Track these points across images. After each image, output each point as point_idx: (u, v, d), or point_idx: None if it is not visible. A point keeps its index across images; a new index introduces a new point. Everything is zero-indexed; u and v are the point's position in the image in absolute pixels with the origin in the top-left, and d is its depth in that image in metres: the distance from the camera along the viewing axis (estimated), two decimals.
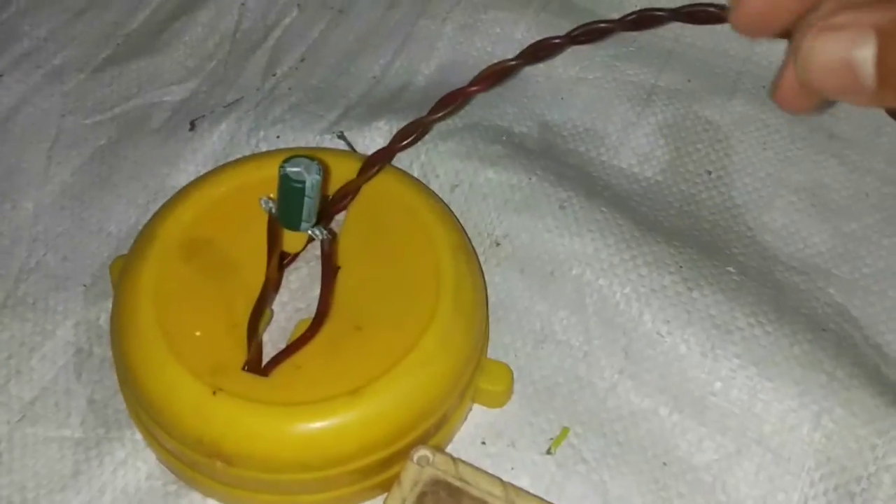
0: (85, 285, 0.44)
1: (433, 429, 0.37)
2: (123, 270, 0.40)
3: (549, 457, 0.40)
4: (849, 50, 0.25)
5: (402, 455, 0.36)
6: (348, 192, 0.41)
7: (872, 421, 0.39)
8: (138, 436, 0.40)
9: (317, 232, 0.36)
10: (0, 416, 0.40)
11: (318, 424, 0.35)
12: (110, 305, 0.42)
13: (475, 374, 0.40)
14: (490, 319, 0.43)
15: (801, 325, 0.41)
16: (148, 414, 0.36)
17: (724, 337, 0.41)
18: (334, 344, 0.37)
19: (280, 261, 0.39)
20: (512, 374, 0.41)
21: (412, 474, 0.34)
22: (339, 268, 0.39)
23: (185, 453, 0.36)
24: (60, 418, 0.40)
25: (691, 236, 0.45)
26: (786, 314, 0.42)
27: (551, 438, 0.40)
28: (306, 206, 0.34)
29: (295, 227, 0.35)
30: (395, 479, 0.34)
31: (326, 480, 0.36)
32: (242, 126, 0.49)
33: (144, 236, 0.40)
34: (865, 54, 0.25)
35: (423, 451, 0.34)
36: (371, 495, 0.38)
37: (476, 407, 0.41)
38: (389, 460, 0.36)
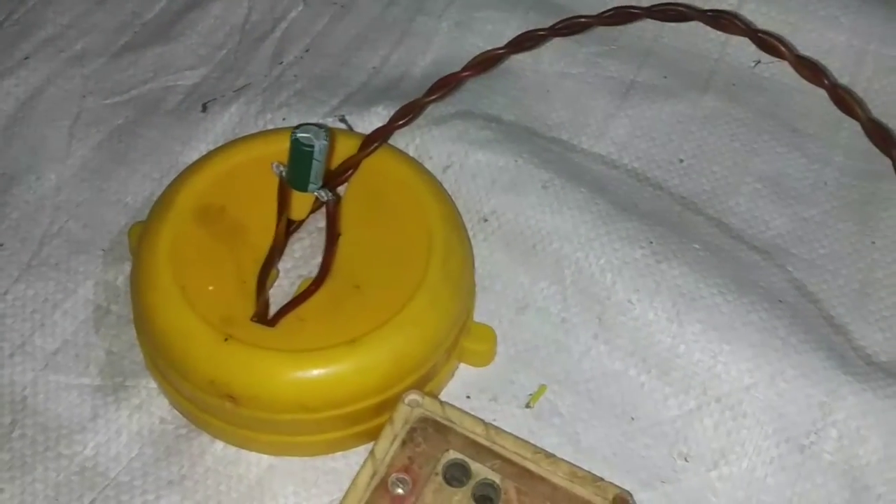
0: (104, 249, 0.48)
1: (422, 381, 0.41)
2: (142, 233, 0.43)
3: (527, 410, 0.44)
4: None
5: (393, 403, 0.39)
6: (349, 167, 0.45)
7: (821, 382, 0.42)
8: (153, 384, 0.43)
9: (323, 193, 0.40)
10: (26, 365, 0.44)
11: (317, 370, 0.38)
12: (127, 268, 0.46)
13: (462, 335, 0.44)
14: (477, 288, 0.47)
15: (759, 297, 0.45)
16: (165, 360, 0.40)
17: (689, 305, 0.45)
18: (335, 301, 0.41)
19: (287, 225, 0.43)
20: (495, 336, 0.45)
21: (403, 414, 0.38)
22: (339, 234, 0.43)
23: (197, 395, 0.40)
24: (80, 368, 0.44)
25: (663, 217, 0.49)
26: (746, 287, 0.46)
27: (530, 394, 0.44)
28: (314, 169, 0.38)
29: (303, 188, 0.39)
30: (387, 423, 0.38)
31: (323, 422, 0.39)
32: (251, 109, 0.53)
33: (161, 203, 0.44)
34: None
35: (413, 395, 0.38)
36: (364, 440, 0.41)
37: (462, 366, 0.45)
38: (381, 406, 0.40)
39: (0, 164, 0.52)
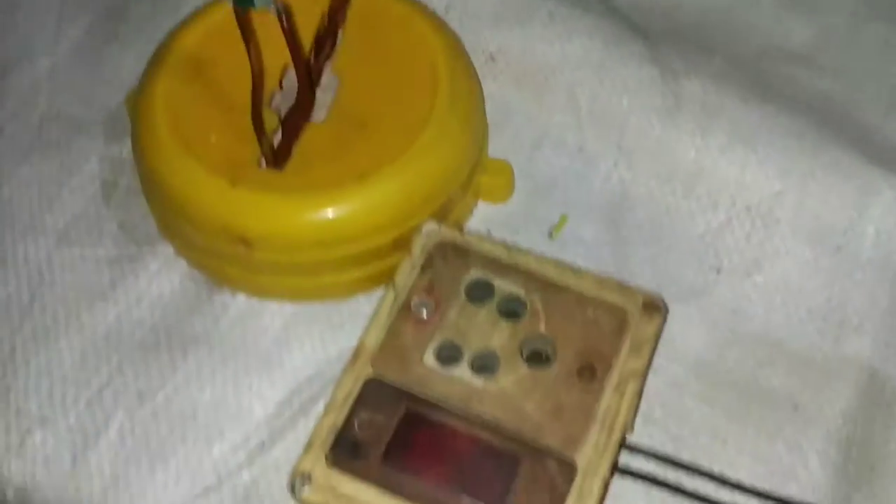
0: (104, 126, 0.47)
1: (438, 215, 0.40)
2: (138, 93, 0.42)
3: (550, 242, 0.43)
4: None
5: (410, 237, 0.38)
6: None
7: (854, 178, 0.41)
8: (169, 250, 0.43)
9: (271, 6, 0.37)
10: (38, 242, 0.43)
11: (328, 206, 0.37)
12: (130, 142, 0.45)
13: (477, 171, 0.42)
14: (490, 129, 0.45)
15: (785, 104, 0.43)
16: (177, 215, 0.39)
17: (712, 117, 0.43)
18: (341, 141, 0.39)
19: (307, 73, 0.40)
20: (512, 169, 0.43)
21: (421, 242, 0.37)
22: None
23: (212, 245, 0.39)
24: (94, 240, 0.43)
25: (678, 35, 0.47)
26: (771, 95, 0.44)
27: (552, 226, 0.43)
28: None
29: (248, 2, 0.37)
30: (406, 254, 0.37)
31: (341, 261, 0.39)
32: None
33: (154, 60, 0.42)
34: None
35: (430, 225, 0.37)
36: (385, 280, 0.40)
37: (481, 204, 0.44)
38: (398, 242, 0.38)
39: None
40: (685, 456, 0.37)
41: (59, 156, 0.46)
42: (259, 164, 0.39)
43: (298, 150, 0.39)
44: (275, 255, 0.38)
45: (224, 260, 0.40)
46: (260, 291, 0.41)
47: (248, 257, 0.38)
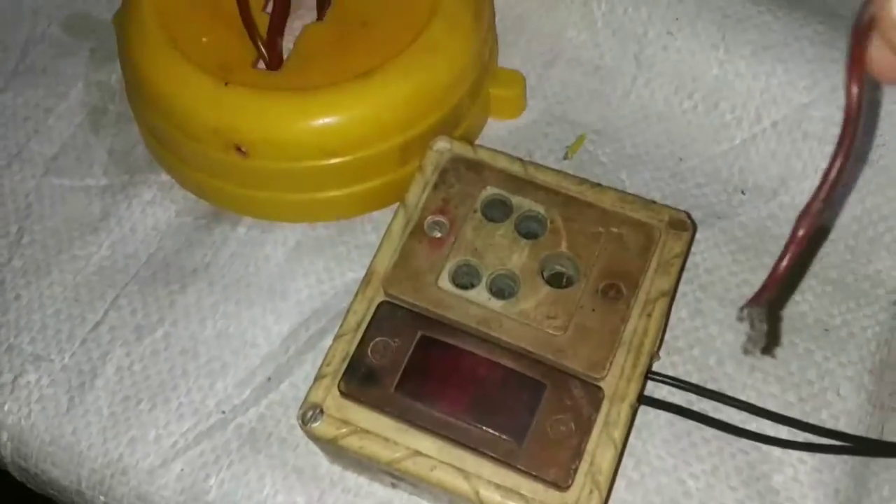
0: (91, 49, 0.44)
1: (446, 122, 0.37)
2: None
3: (566, 162, 0.40)
4: None
5: (418, 147, 0.36)
6: None
7: (889, 90, 0.38)
8: (163, 177, 0.40)
9: None
10: (25, 172, 0.41)
11: (329, 107, 0.35)
12: (118, 67, 0.42)
13: (486, 80, 0.40)
14: (500, 43, 0.42)
15: (812, 10, 0.41)
16: (168, 123, 0.37)
17: (736, 26, 0.40)
18: (342, 40, 0.37)
19: None
20: (524, 79, 0.41)
21: (433, 159, 0.34)
22: None
23: (206, 157, 0.36)
24: (83, 169, 0.41)
25: None
26: (797, 2, 0.41)
27: (567, 146, 0.41)
28: None
29: None
30: (416, 172, 0.35)
31: (344, 170, 0.36)
32: None
33: None
34: None
35: (441, 141, 0.35)
36: (393, 197, 0.38)
37: (493, 124, 0.41)
38: (406, 150, 0.36)
39: None
40: (711, 385, 0.35)
41: (46, 81, 0.44)
42: (254, 66, 0.37)
43: (296, 50, 0.37)
44: (272, 163, 0.36)
45: (219, 176, 0.37)
46: (259, 211, 0.38)
47: (244, 168, 0.36)
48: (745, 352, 0.27)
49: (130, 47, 0.37)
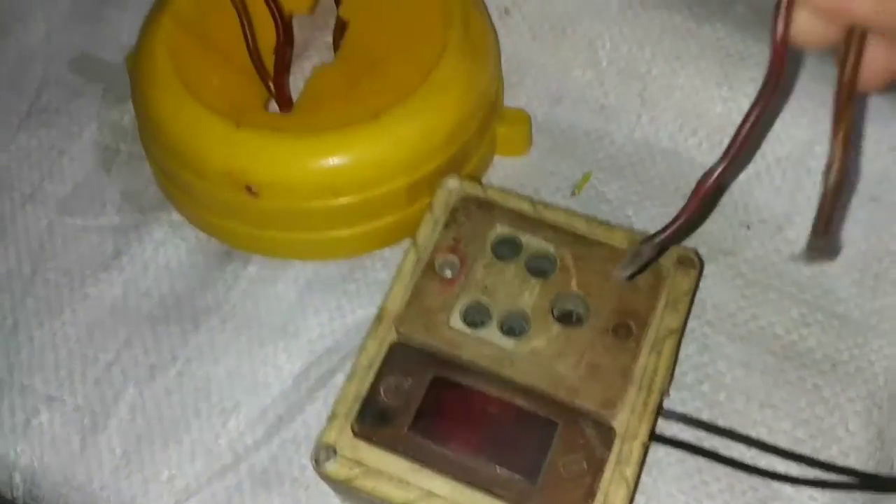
0: (104, 90, 0.45)
1: (454, 162, 0.38)
2: (138, 41, 0.40)
3: (573, 199, 0.41)
4: None
5: (425, 187, 0.36)
6: None
7: (888, 126, 0.39)
8: (175, 216, 0.41)
9: None
10: (39, 212, 0.42)
11: (339, 148, 0.35)
12: (131, 107, 0.43)
13: (493, 120, 0.40)
14: (506, 84, 0.43)
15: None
16: (180, 164, 0.37)
17: (738, 64, 0.41)
18: (352, 81, 0.37)
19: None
20: (529, 117, 0.42)
21: (443, 198, 0.35)
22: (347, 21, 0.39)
23: (218, 197, 0.37)
24: (96, 209, 0.42)
25: None
26: None
27: (574, 183, 0.41)
28: None
29: None
30: (427, 210, 0.35)
31: (353, 210, 0.37)
32: None
33: (155, 7, 0.40)
34: None
35: (451, 180, 0.35)
36: (402, 234, 0.38)
37: (500, 161, 0.42)
38: (414, 190, 0.37)
39: None
40: (721, 422, 0.35)
41: (59, 121, 0.44)
42: (265, 107, 0.37)
43: (307, 92, 0.38)
44: (282, 203, 0.36)
45: (230, 215, 0.38)
46: (269, 250, 0.39)
47: (254, 207, 0.36)
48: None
49: (143, 89, 0.38)
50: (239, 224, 0.38)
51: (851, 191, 0.39)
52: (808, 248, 0.26)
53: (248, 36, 0.37)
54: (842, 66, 0.23)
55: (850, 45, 0.23)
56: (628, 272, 0.31)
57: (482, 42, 0.39)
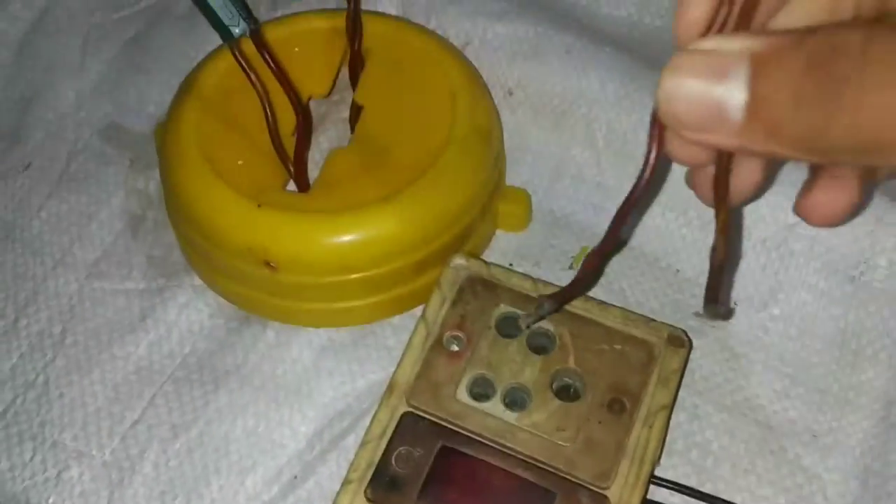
0: (131, 159, 0.48)
1: (460, 239, 0.41)
2: (167, 118, 0.43)
3: (571, 271, 0.44)
4: (717, 76, 0.22)
5: (434, 261, 0.39)
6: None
7: (868, 211, 0.42)
8: (197, 282, 0.44)
9: (238, 30, 0.39)
10: (69, 276, 0.44)
11: (353, 228, 0.38)
12: (157, 174, 0.46)
13: (496, 198, 0.43)
14: (508, 160, 0.46)
15: None
16: (202, 236, 0.40)
17: None
18: (365, 164, 0.40)
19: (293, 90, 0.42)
20: (529, 196, 0.44)
21: (450, 277, 0.38)
22: (362, 106, 0.43)
23: (238, 270, 0.40)
24: (123, 273, 0.44)
25: None
26: None
27: (572, 257, 0.44)
28: (219, 11, 0.37)
29: (228, 34, 0.38)
30: (433, 286, 0.38)
31: (367, 283, 0.39)
32: (260, 6, 0.52)
33: (184, 86, 0.43)
34: (735, 83, 0.21)
35: (458, 259, 0.38)
36: (411, 304, 0.41)
37: (502, 235, 0.45)
38: (423, 265, 0.40)
39: (17, 89, 0.51)
40: (708, 488, 0.38)
41: (88, 189, 0.47)
42: (285, 188, 0.40)
43: (323, 174, 0.41)
44: (299, 278, 0.39)
45: (249, 285, 0.41)
46: (286, 317, 0.41)
47: (272, 280, 0.39)
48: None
49: (170, 167, 0.41)
50: (257, 293, 0.41)
51: (833, 272, 0.42)
52: (704, 310, 0.32)
53: (270, 121, 0.40)
54: (716, 177, 0.27)
55: (721, 162, 0.27)
56: (529, 322, 0.35)
57: (487, 127, 0.42)
